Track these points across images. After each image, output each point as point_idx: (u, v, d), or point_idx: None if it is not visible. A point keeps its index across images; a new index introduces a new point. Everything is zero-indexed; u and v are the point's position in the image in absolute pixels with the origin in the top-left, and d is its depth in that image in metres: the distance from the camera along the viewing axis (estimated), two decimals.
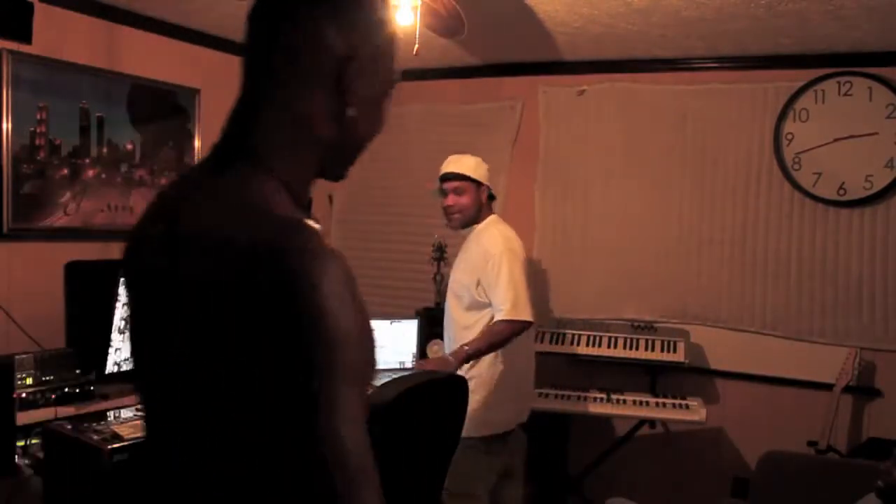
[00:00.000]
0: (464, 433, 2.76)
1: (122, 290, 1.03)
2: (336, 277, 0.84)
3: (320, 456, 0.81)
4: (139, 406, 1.06)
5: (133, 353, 1.04)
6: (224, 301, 0.84)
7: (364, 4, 0.97)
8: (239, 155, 0.94)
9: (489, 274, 2.93)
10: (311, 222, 0.89)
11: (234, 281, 0.83)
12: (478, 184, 3.05)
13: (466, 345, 2.89)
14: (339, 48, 0.93)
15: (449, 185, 3.06)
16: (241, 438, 0.86)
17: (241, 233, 0.85)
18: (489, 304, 2.97)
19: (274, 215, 0.87)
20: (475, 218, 3.07)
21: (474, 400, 2.83)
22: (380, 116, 1.02)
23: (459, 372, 2.82)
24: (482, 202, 3.08)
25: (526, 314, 2.91)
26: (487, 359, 2.96)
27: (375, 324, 0.94)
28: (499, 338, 2.89)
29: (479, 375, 2.95)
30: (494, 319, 2.93)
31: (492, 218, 3.11)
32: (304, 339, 0.81)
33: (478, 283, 2.98)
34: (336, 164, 1.02)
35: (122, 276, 1.04)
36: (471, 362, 2.92)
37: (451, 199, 3.05)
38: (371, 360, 0.92)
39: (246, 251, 0.84)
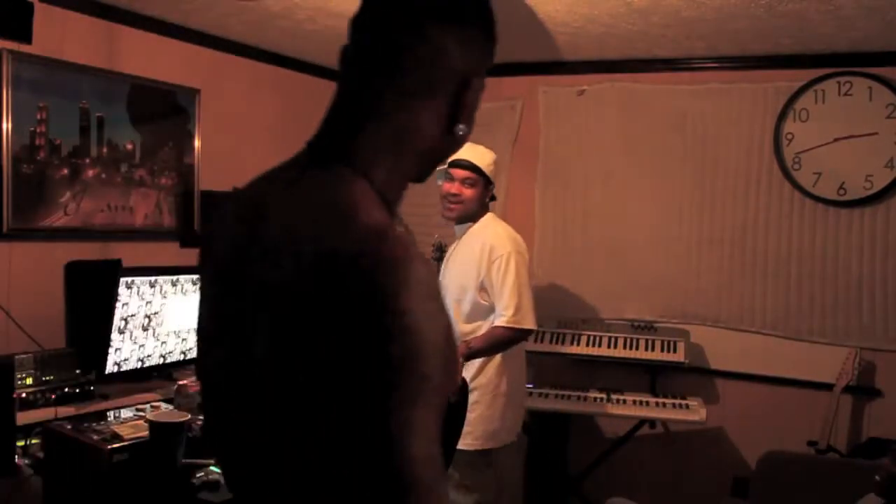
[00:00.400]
0: (466, 446, 2.71)
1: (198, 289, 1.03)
2: (421, 288, 0.81)
3: (391, 474, 0.78)
4: (204, 402, 1.04)
5: (203, 352, 1.02)
6: (303, 306, 0.82)
7: (483, 24, 0.97)
8: (336, 158, 0.92)
9: (494, 274, 2.82)
10: (399, 229, 0.87)
11: (315, 286, 0.81)
12: (488, 181, 2.93)
13: (470, 341, 2.79)
14: (462, 66, 0.93)
15: (460, 174, 2.88)
16: (311, 451, 0.84)
17: (326, 237, 0.84)
18: (491, 311, 2.86)
19: (361, 221, 0.85)
20: (474, 215, 2.94)
21: (476, 412, 2.77)
22: (472, 124, 1.01)
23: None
24: (484, 201, 2.97)
25: (528, 322, 2.83)
26: (490, 369, 2.88)
27: None
28: (499, 341, 2.81)
29: (483, 386, 2.86)
30: (495, 324, 2.83)
31: (490, 216, 2.99)
32: (385, 352, 0.78)
33: (480, 285, 2.86)
34: (428, 170, 1.01)
35: (199, 275, 1.03)
36: (472, 373, 2.84)
37: (457, 188, 2.88)
38: (452, 370, 0.89)
39: (329, 257, 0.82)
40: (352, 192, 0.88)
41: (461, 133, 0.96)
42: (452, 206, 2.92)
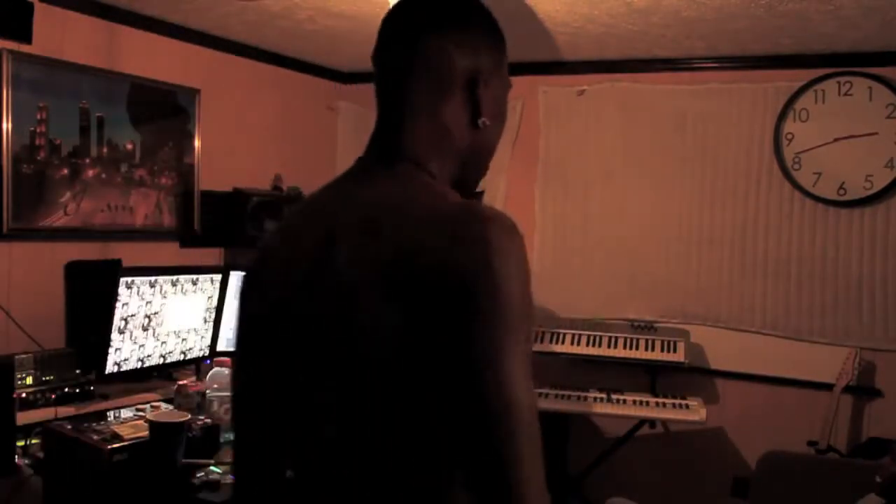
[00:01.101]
0: None
1: (241, 303, 1.11)
2: (522, 246, 0.93)
3: (498, 408, 0.87)
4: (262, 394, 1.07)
5: (269, 349, 1.04)
6: (424, 271, 0.89)
7: (479, 25, 1.10)
8: (397, 158, 1.03)
9: None
10: None
11: (437, 248, 0.90)
12: (480, 194, 2.95)
13: None
14: (465, 64, 1.05)
15: None
16: (422, 406, 0.91)
17: (437, 207, 0.95)
18: None
19: (454, 197, 0.99)
20: None
21: None
22: (503, 121, 1.14)
23: None
24: None
25: None
26: None
27: None
28: None
29: None
30: None
31: None
32: (499, 297, 0.88)
33: None
34: (471, 174, 1.11)
35: (255, 290, 1.07)
36: None
37: None
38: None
39: (448, 220, 0.92)
40: (432, 179, 1.02)
41: (484, 125, 1.07)
42: None
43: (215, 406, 2.43)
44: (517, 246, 0.92)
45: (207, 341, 3.21)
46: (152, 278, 2.88)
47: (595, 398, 3.72)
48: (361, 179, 1.04)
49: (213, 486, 2.07)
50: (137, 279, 2.82)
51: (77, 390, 2.69)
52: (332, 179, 1.09)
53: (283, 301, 1.02)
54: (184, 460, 2.15)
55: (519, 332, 0.89)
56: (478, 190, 3.01)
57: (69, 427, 2.26)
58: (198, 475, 2.13)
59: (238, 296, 1.11)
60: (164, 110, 3.55)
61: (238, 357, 1.11)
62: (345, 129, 4.66)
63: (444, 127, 1.05)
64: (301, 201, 1.12)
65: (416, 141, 1.04)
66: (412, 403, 0.91)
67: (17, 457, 2.36)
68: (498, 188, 4.24)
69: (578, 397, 3.73)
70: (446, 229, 0.91)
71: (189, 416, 2.24)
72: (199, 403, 2.51)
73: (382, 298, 0.91)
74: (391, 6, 1.11)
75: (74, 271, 3.10)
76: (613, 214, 4.08)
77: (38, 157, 3.01)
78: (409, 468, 0.93)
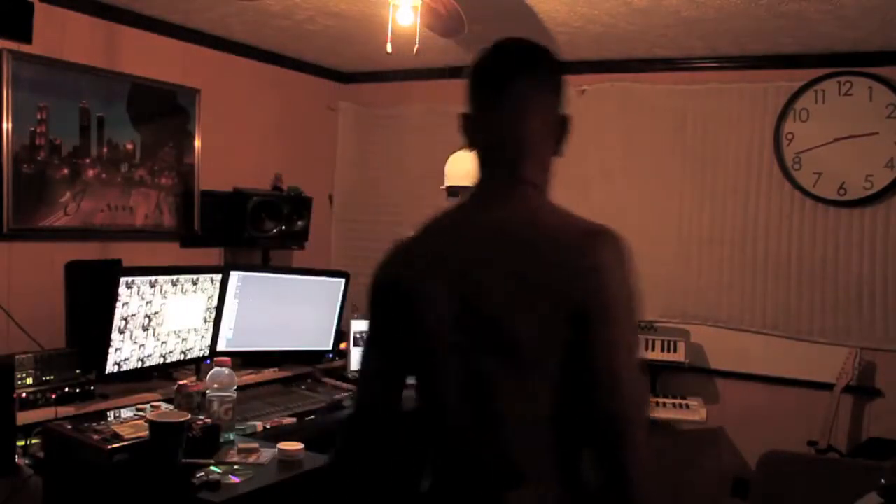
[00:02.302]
0: None
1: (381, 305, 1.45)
2: (629, 255, 1.23)
3: (612, 391, 1.17)
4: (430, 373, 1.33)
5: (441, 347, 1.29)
6: (563, 264, 1.20)
7: (560, 71, 1.39)
8: (518, 182, 1.33)
9: None
10: None
11: (577, 254, 1.20)
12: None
13: None
14: (560, 111, 1.38)
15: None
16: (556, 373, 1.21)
17: (570, 224, 1.28)
18: None
19: (578, 216, 1.30)
20: None
21: None
22: None
23: None
24: None
25: None
26: None
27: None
28: None
29: None
30: None
31: None
32: (619, 297, 1.19)
33: None
34: None
35: (402, 292, 1.37)
36: None
37: None
38: None
39: (581, 234, 1.24)
40: (546, 197, 1.37)
41: (560, 154, 1.42)
42: None
43: (215, 406, 2.42)
44: (626, 257, 1.22)
45: (207, 341, 3.21)
46: (152, 278, 2.88)
47: None
48: (489, 202, 1.32)
49: (213, 486, 2.07)
50: (137, 279, 2.82)
51: (77, 390, 2.69)
52: (456, 205, 1.38)
53: (441, 314, 1.29)
54: (184, 460, 2.14)
55: (629, 329, 1.20)
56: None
57: (69, 427, 2.26)
58: (198, 475, 2.12)
59: (373, 285, 1.44)
60: (164, 110, 3.55)
61: (379, 325, 1.41)
62: (345, 129, 4.66)
63: (549, 156, 1.40)
64: (425, 225, 1.40)
65: (533, 170, 1.35)
66: (551, 385, 1.20)
67: (17, 457, 2.36)
68: None
69: None
70: (574, 247, 1.21)
71: (189, 416, 2.24)
72: (199, 403, 2.51)
73: (524, 300, 1.20)
74: (491, 51, 1.36)
75: (74, 271, 3.10)
76: (613, 214, 4.03)
77: (38, 157, 3.01)
78: (545, 433, 1.23)
